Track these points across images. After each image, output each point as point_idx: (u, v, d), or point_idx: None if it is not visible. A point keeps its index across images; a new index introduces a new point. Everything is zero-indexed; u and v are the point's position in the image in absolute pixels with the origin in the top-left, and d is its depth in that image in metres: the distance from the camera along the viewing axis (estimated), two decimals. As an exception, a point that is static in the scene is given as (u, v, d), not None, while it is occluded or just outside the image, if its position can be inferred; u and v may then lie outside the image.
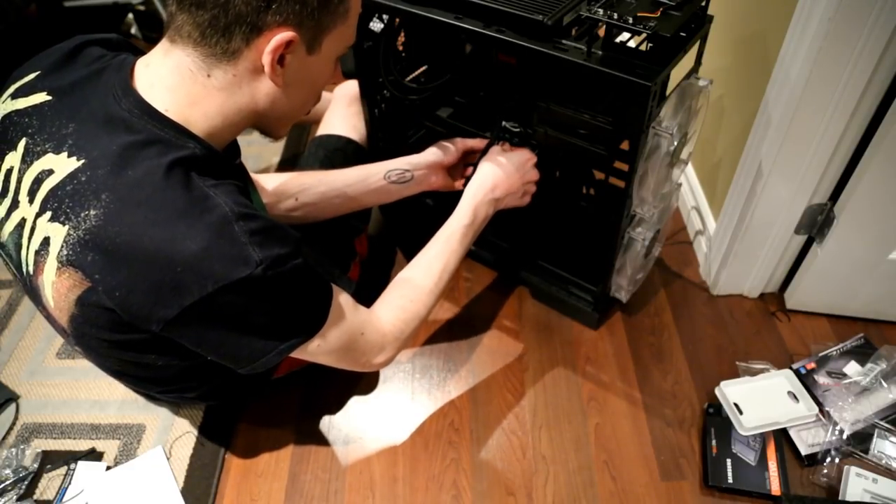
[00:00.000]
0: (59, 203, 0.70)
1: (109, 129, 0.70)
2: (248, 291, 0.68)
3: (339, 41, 0.75)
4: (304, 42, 0.71)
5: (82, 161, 0.69)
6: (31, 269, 0.75)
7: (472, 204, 1.01)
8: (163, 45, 0.72)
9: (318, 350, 0.81)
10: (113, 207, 0.67)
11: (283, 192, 1.09)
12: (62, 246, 0.69)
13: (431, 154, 1.13)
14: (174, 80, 0.71)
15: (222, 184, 0.70)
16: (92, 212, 0.67)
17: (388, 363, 0.94)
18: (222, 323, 0.71)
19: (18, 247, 0.76)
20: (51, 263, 0.71)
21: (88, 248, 0.68)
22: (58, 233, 0.70)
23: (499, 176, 1.04)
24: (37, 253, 0.73)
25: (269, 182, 1.09)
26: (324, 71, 0.78)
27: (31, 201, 0.73)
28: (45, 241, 0.71)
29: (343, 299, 0.84)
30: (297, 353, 0.80)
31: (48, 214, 0.71)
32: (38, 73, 0.79)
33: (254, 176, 0.99)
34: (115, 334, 0.76)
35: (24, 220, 0.74)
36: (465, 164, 1.18)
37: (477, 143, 1.13)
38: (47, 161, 0.72)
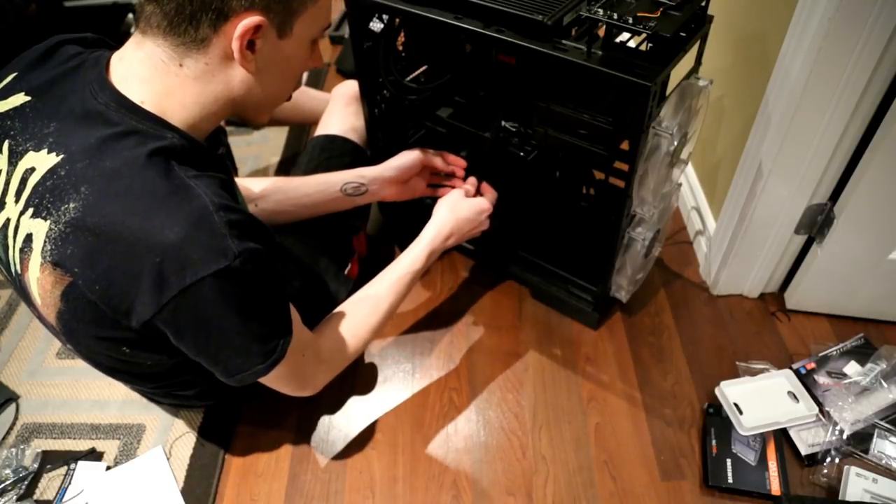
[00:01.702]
0: (40, 199, 0.70)
1: (87, 124, 0.70)
2: (225, 284, 0.67)
3: (311, 23, 0.75)
4: (273, 26, 0.71)
5: (61, 156, 0.70)
6: (18, 268, 0.75)
7: (427, 252, 1.04)
8: (135, 38, 0.72)
9: (272, 375, 0.80)
10: (92, 199, 0.67)
11: (244, 197, 1.09)
12: (45, 241, 0.69)
13: (388, 170, 1.14)
14: (147, 71, 0.71)
15: (204, 175, 0.70)
16: (71, 205, 0.67)
17: (311, 394, 0.94)
18: (199, 323, 0.71)
19: (5, 247, 0.76)
20: (34, 260, 0.71)
21: (69, 241, 0.68)
22: (40, 228, 0.70)
23: (455, 226, 1.07)
24: (21, 251, 0.73)
25: None
26: (298, 54, 0.78)
27: (17, 201, 0.73)
28: (28, 238, 0.71)
29: (294, 314, 0.83)
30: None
31: (30, 211, 0.71)
32: (15, 74, 0.79)
33: None
34: (102, 330, 0.76)
35: (8, 221, 0.74)
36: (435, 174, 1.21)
37: (438, 163, 1.16)
38: (29, 159, 0.72)
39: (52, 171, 0.70)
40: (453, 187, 1.17)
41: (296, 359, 0.84)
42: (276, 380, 0.85)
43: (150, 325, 0.69)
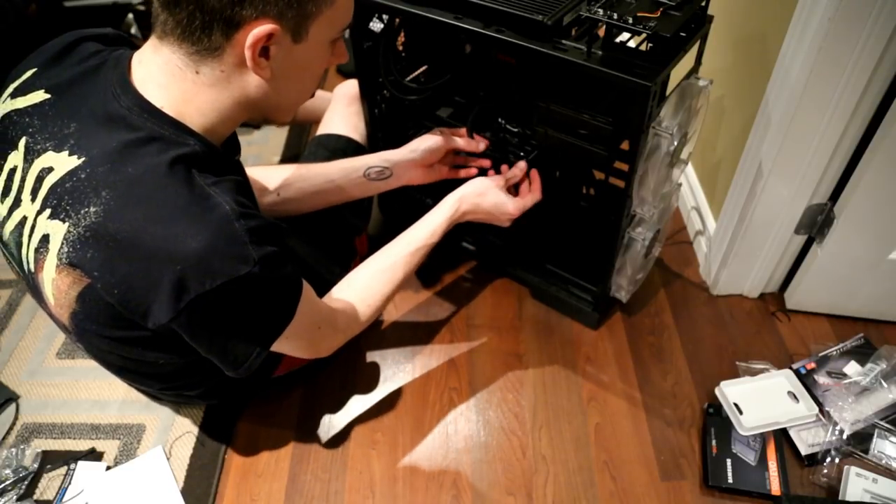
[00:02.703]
0: (59, 200, 0.70)
1: (109, 128, 0.70)
2: (242, 287, 0.69)
3: (328, 25, 0.74)
4: (287, 32, 0.70)
5: (82, 159, 0.70)
6: (31, 266, 0.75)
7: (446, 227, 1.03)
8: (152, 42, 0.72)
9: (283, 342, 0.82)
10: (114, 204, 0.67)
11: (265, 188, 1.09)
12: (62, 243, 0.70)
13: (413, 153, 1.11)
14: (165, 77, 0.71)
15: (223, 181, 0.71)
16: (92, 209, 0.67)
17: (325, 356, 0.96)
18: (215, 320, 0.72)
19: (19, 245, 0.76)
20: (50, 261, 0.72)
21: (89, 244, 0.68)
22: (57, 230, 0.70)
23: (473, 210, 1.05)
24: (36, 251, 0.73)
25: (252, 176, 1.09)
26: (316, 57, 0.77)
27: (33, 199, 0.73)
28: (45, 239, 0.72)
29: (309, 294, 0.84)
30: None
31: (48, 212, 0.71)
32: (34, 70, 0.79)
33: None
34: (116, 330, 0.76)
35: (24, 219, 0.74)
36: (457, 154, 1.16)
37: (465, 143, 1.12)
38: (47, 159, 0.72)
39: (71, 174, 0.70)
40: (477, 167, 1.14)
41: (312, 332, 0.87)
42: (293, 349, 0.88)
43: (166, 327, 0.70)
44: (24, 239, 0.75)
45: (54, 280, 0.73)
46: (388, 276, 0.99)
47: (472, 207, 1.05)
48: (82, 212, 0.68)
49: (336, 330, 0.93)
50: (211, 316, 0.71)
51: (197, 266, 0.66)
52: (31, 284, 0.79)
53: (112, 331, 0.77)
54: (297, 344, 0.86)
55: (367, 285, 0.99)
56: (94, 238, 0.68)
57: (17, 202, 0.75)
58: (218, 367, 0.80)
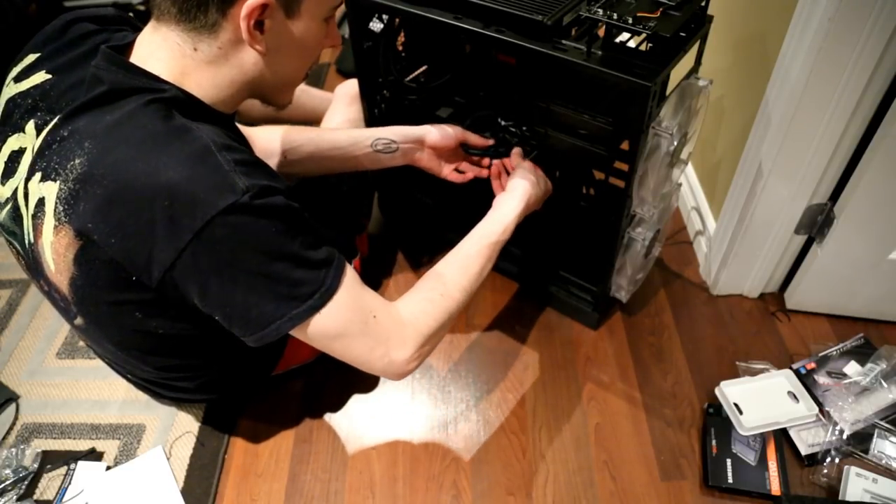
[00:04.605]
0: (48, 162, 0.71)
1: (87, 89, 0.72)
2: (238, 221, 0.66)
3: (319, 1, 0.76)
4: (280, 5, 0.72)
5: (63, 119, 0.72)
6: (32, 236, 0.76)
7: (513, 222, 0.97)
8: (151, 24, 0.74)
9: (326, 326, 0.74)
10: (96, 151, 0.68)
11: (272, 149, 1.07)
12: (56, 203, 0.70)
13: (424, 131, 1.09)
14: (164, 53, 0.73)
15: (208, 125, 0.71)
16: (77, 161, 0.69)
17: (413, 365, 0.82)
18: (222, 267, 0.68)
19: (18, 219, 0.77)
20: (48, 223, 0.72)
21: (79, 197, 0.69)
22: (50, 190, 0.71)
23: (535, 199, 1.02)
24: (34, 217, 0.74)
25: (259, 137, 1.07)
26: (310, 33, 0.78)
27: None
28: (40, 203, 0.72)
29: (352, 272, 0.78)
30: (302, 332, 0.75)
31: (38, 175, 0.72)
32: (35, 55, 0.81)
33: (244, 129, 0.96)
34: (116, 293, 0.75)
35: (26, 193, 0.75)
36: (467, 152, 1.14)
37: (476, 139, 1.11)
38: None
39: (52, 133, 0.71)
40: (477, 175, 1.13)
41: (363, 320, 0.77)
42: (350, 350, 0.78)
43: (172, 277, 0.69)
44: (22, 211, 0.75)
45: (52, 244, 0.73)
46: (461, 267, 0.91)
47: (535, 200, 1.02)
48: (69, 166, 0.69)
49: (401, 322, 0.81)
50: (216, 259, 0.67)
51: (184, 198, 0.65)
52: (31, 260, 0.79)
53: (112, 294, 0.75)
54: (347, 340, 0.76)
55: (439, 275, 0.89)
56: (83, 189, 0.68)
57: (24, 181, 0.76)
58: (220, 348, 0.78)
